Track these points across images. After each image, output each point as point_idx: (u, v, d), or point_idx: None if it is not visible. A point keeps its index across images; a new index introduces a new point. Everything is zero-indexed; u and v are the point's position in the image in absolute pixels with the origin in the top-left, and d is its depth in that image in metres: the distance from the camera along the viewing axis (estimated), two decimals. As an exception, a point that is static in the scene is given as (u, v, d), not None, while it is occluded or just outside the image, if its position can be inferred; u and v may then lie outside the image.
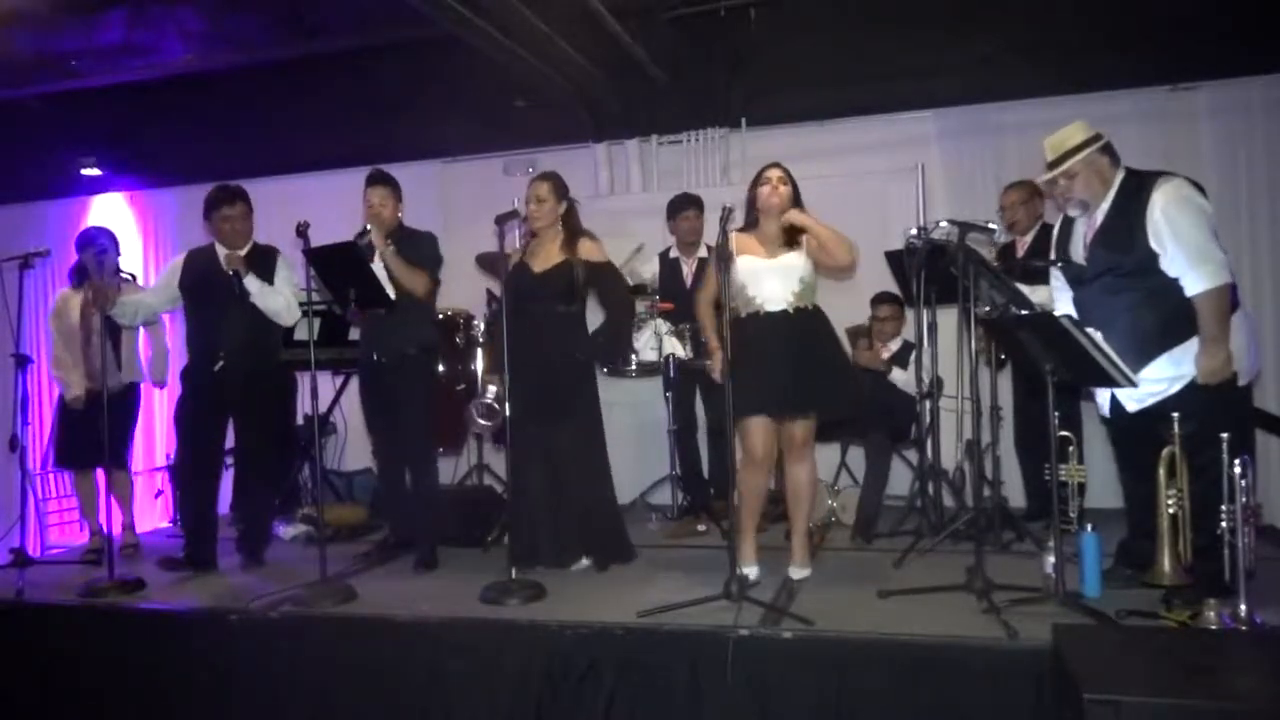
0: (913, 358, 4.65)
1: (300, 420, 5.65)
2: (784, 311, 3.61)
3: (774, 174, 3.68)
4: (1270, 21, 4.65)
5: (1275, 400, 5.09)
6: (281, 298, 4.24)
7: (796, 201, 3.69)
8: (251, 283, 4.17)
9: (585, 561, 4.00)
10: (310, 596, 3.59)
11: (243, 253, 4.24)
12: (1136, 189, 3.19)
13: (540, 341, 3.92)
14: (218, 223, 4.25)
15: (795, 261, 3.62)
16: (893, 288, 4.96)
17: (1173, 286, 3.11)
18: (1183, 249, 3.07)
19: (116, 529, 4.95)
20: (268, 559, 4.38)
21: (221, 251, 4.25)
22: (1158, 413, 3.15)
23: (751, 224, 3.73)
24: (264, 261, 4.28)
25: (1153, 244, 3.12)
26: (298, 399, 5.72)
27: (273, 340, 4.35)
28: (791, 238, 3.66)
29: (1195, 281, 3.06)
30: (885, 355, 4.87)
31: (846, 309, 4.98)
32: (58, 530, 6.55)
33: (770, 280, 3.61)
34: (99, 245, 4.57)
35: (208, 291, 4.23)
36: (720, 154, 5.97)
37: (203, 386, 4.25)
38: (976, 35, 4.96)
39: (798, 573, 3.71)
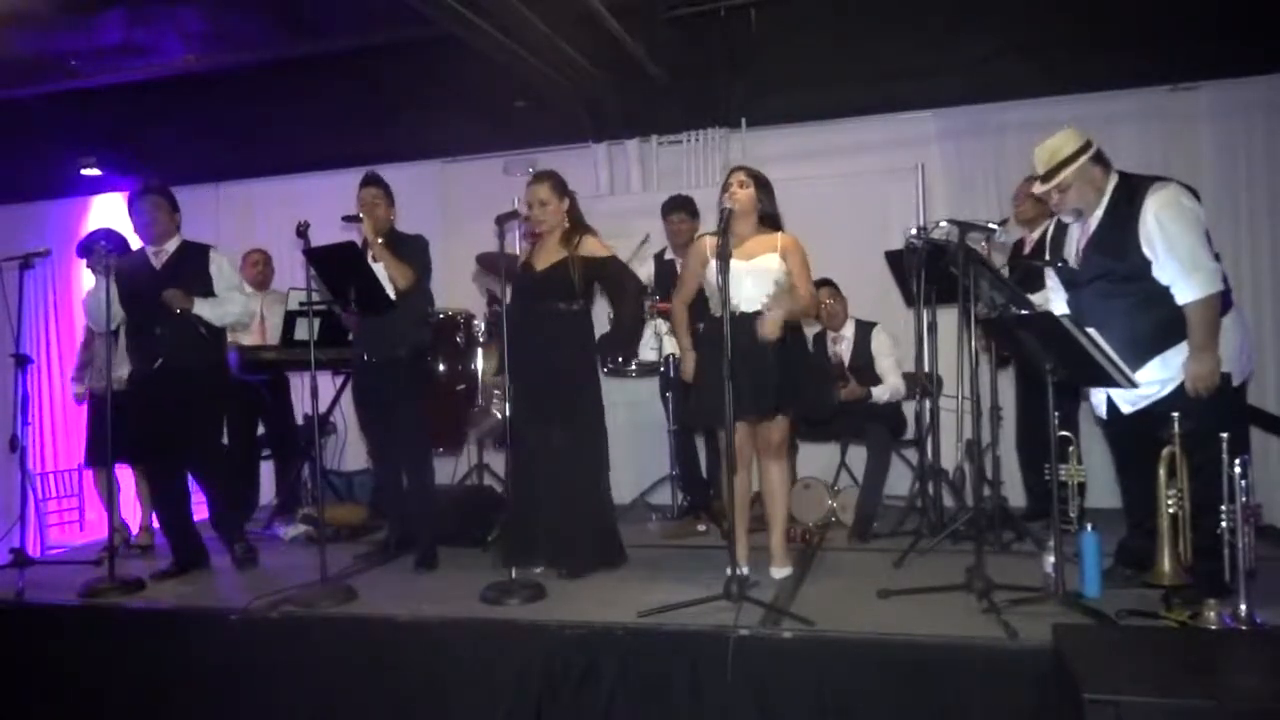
0: (891, 362, 4.68)
1: (300, 420, 5.66)
2: (757, 312, 3.60)
3: (734, 178, 3.68)
4: (1270, 21, 4.65)
5: (1275, 400, 5.09)
6: (234, 305, 4.20)
7: (766, 200, 3.69)
8: (201, 308, 4.10)
9: (538, 570, 3.87)
10: (310, 596, 3.58)
11: (170, 248, 4.20)
12: (1129, 195, 3.17)
13: (544, 341, 3.92)
14: (135, 219, 4.22)
15: (770, 264, 3.62)
16: (892, 288, 4.96)
17: (1166, 291, 3.11)
18: (1174, 257, 3.06)
19: (135, 527, 4.96)
20: (268, 559, 4.37)
21: (150, 250, 4.21)
22: (1152, 414, 3.16)
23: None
24: (194, 263, 4.19)
25: (1145, 250, 3.11)
26: (298, 399, 5.73)
27: (212, 337, 4.21)
28: (765, 242, 3.67)
29: (1185, 290, 3.06)
30: (842, 347, 4.86)
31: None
32: (58, 530, 6.56)
33: (745, 281, 3.58)
34: (107, 242, 4.56)
35: (140, 293, 4.12)
36: (720, 154, 5.98)
37: (146, 389, 4.13)
38: (976, 35, 4.96)
39: (778, 572, 3.72)
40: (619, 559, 4.05)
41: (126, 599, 3.81)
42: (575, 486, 3.96)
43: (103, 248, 4.12)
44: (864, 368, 4.81)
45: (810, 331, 4.23)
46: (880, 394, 4.74)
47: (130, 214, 4.26)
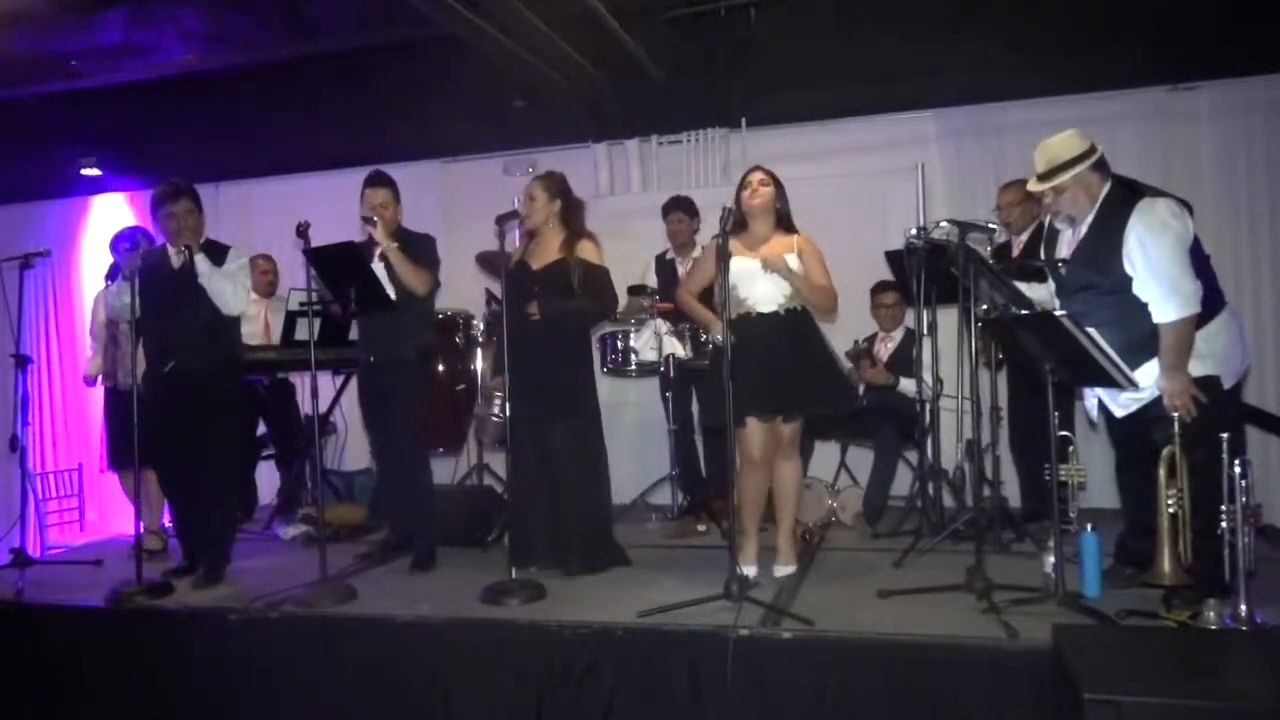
0: (915, 355, 4.67)
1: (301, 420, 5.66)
2: (775, 312, 3.63)
3: (754, 176, 3.71)
4: (1270, 21, 4.64)
5: (1275, 400, 5.09)
6: (229, 282, 4.06)
7: (782, 200, 3.72)
8: (202, 263, 4.00)
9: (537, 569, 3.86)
10: (310, 596, 3.59)
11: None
12: (1119, 208, 3.13)
13: (540, 339, 3.91)
14: (163, 220, 4.10)
15: (787, 264, 3.63)
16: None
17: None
18: (1153, 277, 3.05)
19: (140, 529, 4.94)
20: (268, 559, 4.37)
21: (172, 250, 4.11)
22: (1144, 417, 3.15)
23: (740, 226, 3.71)
24: (215, 257, 4.10)
25: (1127, 267, 3.10)
26: (303, 400, 5.72)
27: (225, 341, 4.14)
28: (781, 240, 3.69)
29: (1161, 312, 3.06)
30: (888, 345, 4.93)
31: (848, 311, 4.98)
32: (57, 530, 6.56)
33: (762, 281, 3.62)
34: (133, 242, 4.54)
35: (157, 293, 4.05)
36: (720, 154, 5.99)
37: (158, 390, 4.07)
38: (976, 35, 4.95)
39: (781, 570, 3.74)
40: (609, 562, 4.01)
41: (155, 601, 3.75)
42: (572, 486, 3.96)
43: (126, 249, 4.10)
44: (900, 364, 4.84)
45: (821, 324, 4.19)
46: (908, 386, 4.75)
47: (154, 216, 4.14)
